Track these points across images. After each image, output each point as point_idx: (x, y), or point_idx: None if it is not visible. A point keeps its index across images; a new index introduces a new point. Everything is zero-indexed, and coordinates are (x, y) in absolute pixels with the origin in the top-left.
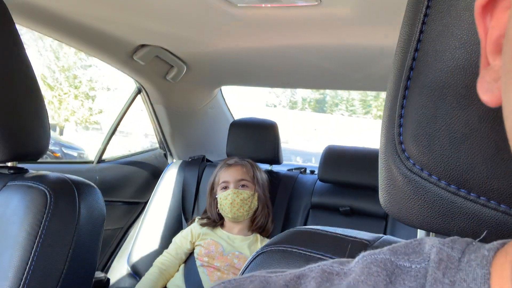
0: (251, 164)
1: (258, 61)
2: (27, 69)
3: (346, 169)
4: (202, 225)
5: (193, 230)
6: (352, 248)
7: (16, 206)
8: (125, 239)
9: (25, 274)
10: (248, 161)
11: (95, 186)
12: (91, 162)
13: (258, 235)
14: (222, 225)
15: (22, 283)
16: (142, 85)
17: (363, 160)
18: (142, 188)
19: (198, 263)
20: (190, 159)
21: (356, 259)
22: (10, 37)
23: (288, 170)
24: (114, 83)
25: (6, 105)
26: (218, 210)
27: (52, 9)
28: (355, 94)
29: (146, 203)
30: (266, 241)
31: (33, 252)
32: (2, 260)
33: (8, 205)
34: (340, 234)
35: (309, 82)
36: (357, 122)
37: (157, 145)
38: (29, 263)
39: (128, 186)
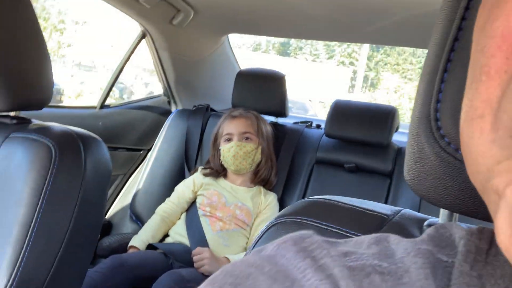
0: (255, 116)
1: (267, 10)
2: (30, 15)
3: (354, 125)
4: (205, 175)
5: (196, 180)
6: (369, 222)
7: (19, 161)
8: (127, 185)
9: (30, 231)
10: (253, 113)
11: (100, 139)
12: (94, 107)
13: (262, 187)
14: (225, 176)
15: (27, 240)
16: (147, 29)
17: (371, 116)
18: (145, 135)
19: (200, 212)
20: (194, 108)
21: (400, 252)
22: None
23: (294, 123)
24: (84, 17)
25: (9, 53)
26: (221, 162)
27: None
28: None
29: (149, 150)
30: (270, 193)
31: (37, 209)
32: (6, 216)
33: (12, 159)
34: (357, 207)
35: (319, 33)
36: (320, 68)
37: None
38: (33, 220)
39: (131, 132)
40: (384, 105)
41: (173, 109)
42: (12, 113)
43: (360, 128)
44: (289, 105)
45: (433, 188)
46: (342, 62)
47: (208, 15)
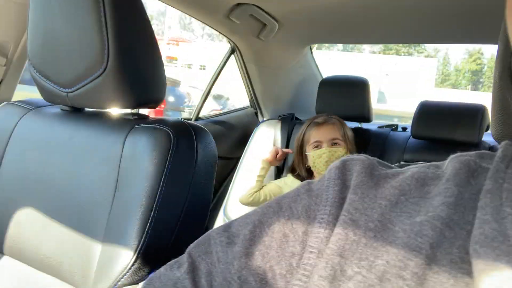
0: (339, 121)
1: (350, 18)
2: (146, 22)
3: (442, 125)
4: (295, 177)
5: (286, 181)
6: None
7: (144, 144)
8: (220, 192)
9: (155, 201)
10: (336, 118)
11: (208, 130)
12: (190, 119)
13: None
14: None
15: (153, 209)
16: (236, 44)
17: (459, 115)
18: (234, 145)
19: None
20: (279, 118)
21: (447, 161)
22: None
23: (379, 127)
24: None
25: (130, 56)
26: (307, 167)
27: None
28: None
29: (238, 159)
30: None
31: (161, 184)
32: (136, 189)
33: (137, 144)
34: None
35: (407, 35)
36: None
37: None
38: (158, 192)
39: (222, 142)
40: (472, 103)
41: (260, 119)
42: (133, 111)
43: (449, 127)
44: None
45: None
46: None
47: (292, 27)
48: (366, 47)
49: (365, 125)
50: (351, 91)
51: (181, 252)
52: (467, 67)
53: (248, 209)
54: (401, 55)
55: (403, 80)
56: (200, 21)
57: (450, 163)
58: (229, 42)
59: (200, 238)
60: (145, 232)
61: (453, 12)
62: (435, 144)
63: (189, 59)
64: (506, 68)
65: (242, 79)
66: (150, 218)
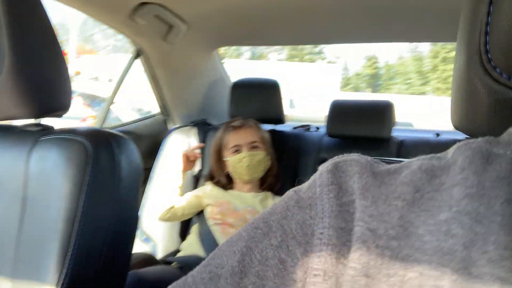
0: (256, 124)
1: (262, 19)
2: (47, 24)
3: (354, 122)
4: (215, 184)
5: (205, 189)
6: None
7: (56, 159)
8: None
9: (76, 224)
10: (253, 121)
11: (128, 138)
12: None
13: (269, 193)
14: (231, 187)
15: (74, 234)
16: (141, 47)
17: (369, 112)
18: (145, 155)
19: (210, 222)
20: (191, 123)
21: (451, 150)
22: None
23: (294, 128)
24: None
25: (30, 61)
26: (227, 173)
27: None
28: (412, 67)
29: (149, 170)
30: (279, 197)
31: (80, 203)
32: (49, 213)
33: (47, 158)
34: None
35: (323, 35)
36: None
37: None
38: (78, 213)
39: None
40: (380, 100)
41: (170, 127)
42: (34, 121)
43: (361, 124)
44: None
45: (484, 124)
46: (439, 89)
47: (201, 29)
48: (273, 55)
49: (279, 127)
50: (263, 93)
51: (112, 280)
52: (366, 72)
53: (168, 224)
54: (305, 62)
55: (311, 86)
56: (101, 22)
57: (458, 151)
58: (134, 45)
59: (178, 280)
60: (67, 262)
61: (372, 10)
62: (349, 141)
63: (94, 72)
64: (475, 50)
65: (150, 84)
66: (71, 245)
